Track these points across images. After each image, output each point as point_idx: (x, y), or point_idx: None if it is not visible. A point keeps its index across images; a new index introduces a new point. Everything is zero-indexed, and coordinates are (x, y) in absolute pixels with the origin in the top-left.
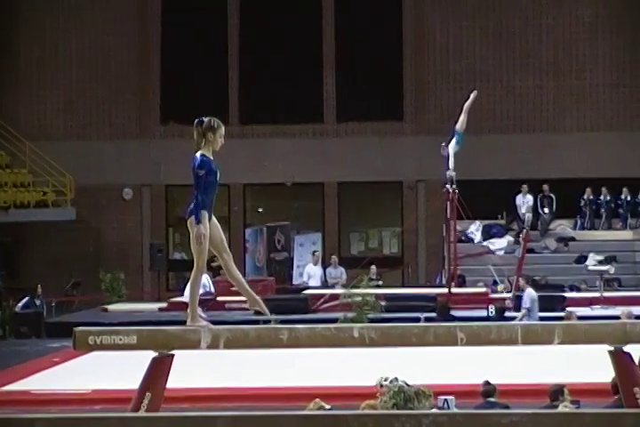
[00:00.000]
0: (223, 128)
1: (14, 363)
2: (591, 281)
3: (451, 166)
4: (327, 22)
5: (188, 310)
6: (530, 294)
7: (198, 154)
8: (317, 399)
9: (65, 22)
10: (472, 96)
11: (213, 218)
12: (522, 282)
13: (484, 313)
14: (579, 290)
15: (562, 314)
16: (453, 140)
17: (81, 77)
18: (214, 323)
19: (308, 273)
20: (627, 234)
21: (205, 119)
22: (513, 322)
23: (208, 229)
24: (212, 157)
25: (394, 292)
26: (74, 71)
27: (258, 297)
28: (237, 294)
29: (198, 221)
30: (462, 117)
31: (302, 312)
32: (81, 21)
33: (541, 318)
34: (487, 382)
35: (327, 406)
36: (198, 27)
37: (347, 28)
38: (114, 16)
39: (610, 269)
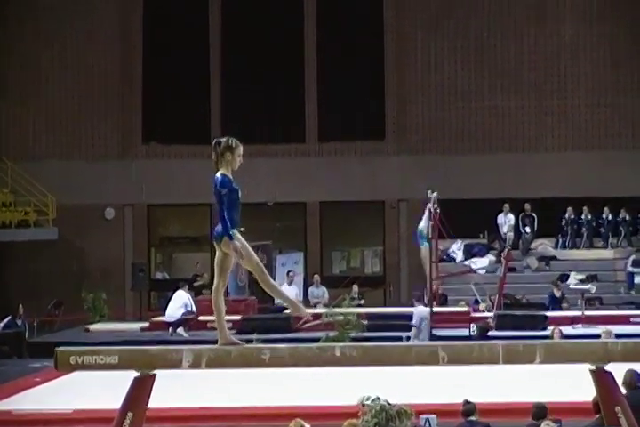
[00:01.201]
0: (241, 147)
1: None
2: (572, 300)
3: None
4: (309, 42)
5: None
6: (419, 311)
7: (219, 174)
8: (298, 419)
9: (47, 42)
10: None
11: None
12: (413, 299)
13: (465, 332)
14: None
15: (543, 333)
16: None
17: (63, 97)
18: (196, 342)
19: None
20: (608, 253)
21: (223, 139)
22: (494, 341)
23: (243, 240)
24: (231, 177)
25: (376, 311)
26: (56, 91)
27: (228, 332)
28: None
29: (231, 238)
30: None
31: (284, 331)
32: (63, 41)
33: (523, 338)
34: (467, 401)
35: (307, 426)
36: (180, 46)
37: (328, 48)
38: (96, 36)
39: (591, 288)
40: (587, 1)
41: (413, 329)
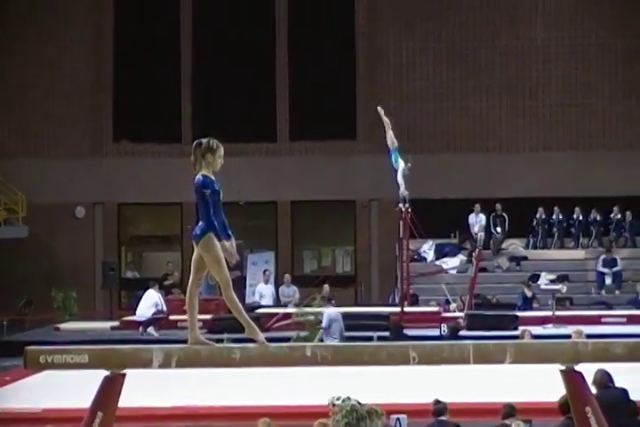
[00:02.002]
0: (222, 149)
1: None
2: (543, 300)
3: (400, 185)
4: (280, 41)
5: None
6: (329, 313)
7: (200, 175)
8: (265, 418)
9: (20, 41)
10: (380, 111)
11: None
12: (319, 301)
13: (436, 332)
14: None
15: (514, 333)
16: (392, 160)
17: (35, 96)
18: (166, 342)
19: (260, 292)
20: (579, 253)
21: (204, 140)
22: (464, 341)
23: (219, 247)
24: (213, 178)
25: (347, 311)
26: (28, 89)
27: (198, 332)
28: None
29: (220, 238)
30: (389, 133)
31: None
32: (36, 40)
33: (494, 338)
34: (438, 401)
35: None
36: (151, 46)
37: (300, 48)
38: (69, 35)
39: (562, 288)
40: (558, 4)
41: (321, 330)
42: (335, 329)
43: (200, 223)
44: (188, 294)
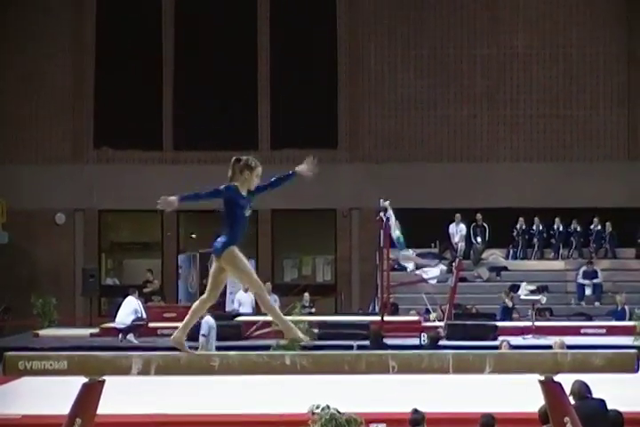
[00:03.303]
0: (260, 168)
1: None
2: (523, 311)
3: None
4: (262, 49)
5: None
6: (207, 320)
7: (232, 185)
8: None
9: (0, 45)
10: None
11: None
12: (299, 309)
13: (416, 341)
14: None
15: (494, 343)
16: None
17: (15, 101)
18: (146, 349)
19: (239, 300)
20: (559, 264)
21: (244, 158)
22: (444, 351)
23: (242, 256)
24: (244, 194)
25: (327, 319)
26: (8, 94)
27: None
28: (169, 320)
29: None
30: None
31: (235, 339)
32: (15, 45)
33: (473, 348)
34: (416, 410)
35: None
36: (133, 51)
37: (282, 55)
38: (49, 39)
39: (542, 298)
40: (539, 13)
41: (203, 338)
42: (213, 337)
43: (221, 237)
44: (197, 303)
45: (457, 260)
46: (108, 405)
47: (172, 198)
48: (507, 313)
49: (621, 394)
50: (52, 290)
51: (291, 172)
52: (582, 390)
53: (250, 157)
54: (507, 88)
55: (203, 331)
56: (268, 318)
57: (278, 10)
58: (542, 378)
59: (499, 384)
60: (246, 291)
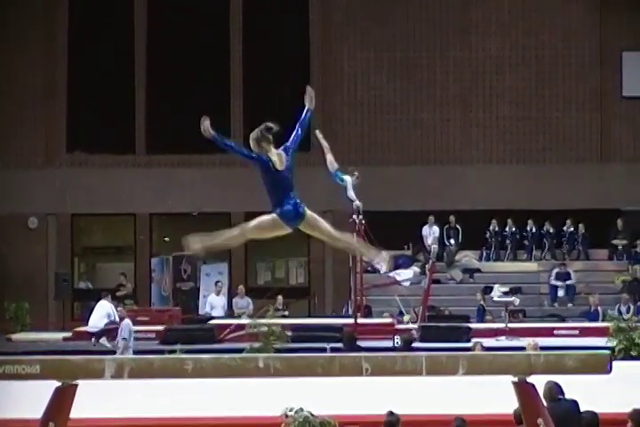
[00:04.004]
0: (264, 137)
1: None
2: (496, 312)
3: (353, 199)
4: (235, 53)
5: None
6: (127, 324)
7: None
8: None
9: None
10: (319, 134)
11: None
12: (122, 312)
13: (390, 344)
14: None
15: (467, 345)
16: (338, 180)
17: None
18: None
19: (211, 303)
20: (532, 266)
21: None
22: (417, 353)
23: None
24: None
25: (300, 322)
26: None
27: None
28: (142, 323)
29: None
30: (328, 157)
31: (208, 342)
32: None
33: (447, 349)
34: (391, 413)
35: None
36: (105, 55)
37: (253, 58)
38: (20, 43)
39: (515, 300)
40: (511, 16)
41: (123, 341)
42: (132, 341)
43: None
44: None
45: (430, 262)
46: (80, 409)
47: (207, 124)
48: (483, 314)
49: (595, 395)
50: (24, 294)
51: (306, 109)
52: (554, 392)
53: (259, 129)
54: (479, 91)
55: (124, 334)
56: (242, 321)
57: (250, 13)
58: (515, 379)
59: (472, 386)
60: (218, 294)
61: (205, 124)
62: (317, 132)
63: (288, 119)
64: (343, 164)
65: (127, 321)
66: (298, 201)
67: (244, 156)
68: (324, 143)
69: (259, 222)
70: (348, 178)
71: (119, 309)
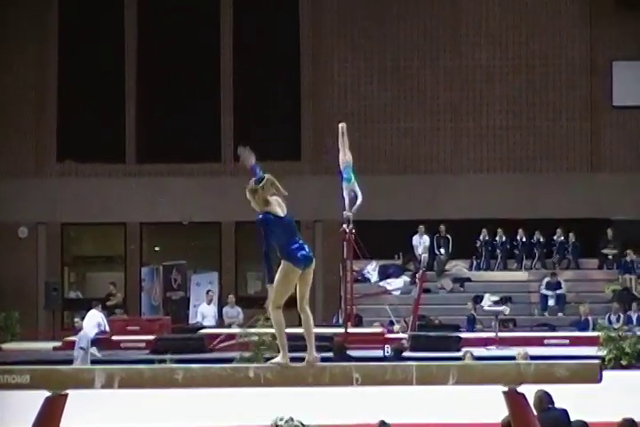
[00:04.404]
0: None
1: None
2: (486, 322)
3: (347, 206)
4: (225, 62)
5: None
6: (85, 334)
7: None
8: None
9: None
10: (343, 127)
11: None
12: (79, 324)
13: (380, 353)
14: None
15: (457, 354)
16: (347, 176)
17: None
18: (109, 362)
19: (202, 313)
20: (522, 275)
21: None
22: (408, 362)
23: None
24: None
25: (290, 331)
26: None
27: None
28: (132, 333)
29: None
30: (347, 151)
31: (198, 352)
32: None
33: (437, 359)
34: (383, 422)
35: None
36: (96, 65)
37: (244, 67)
38: (10, 51)
39: (505, 309)
40: (501, 25)
41: (81, 351)
42: (89, 350)
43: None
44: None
45: (420, 271)
46: (70, 418)
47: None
48: (472, 324)
49: (585, 404)
50: (14, 303)
51: (250, 168)
52: (544, 401)
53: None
54: (470, 100)
55: (81, 344)
56: (232, 330)
57: (241, 22)
58: (506, 389)
59: (462, 395)
60: (209, 303)
61: (246, 154)
62: (342, 125)
63: (278, 129)
64: (334, 173)
65: (84, 332)
66: (303, 243)
67: (266, 243)
68: (345, 139)
69: (278, 289)
70: (355, 183)
71: (76, 320)
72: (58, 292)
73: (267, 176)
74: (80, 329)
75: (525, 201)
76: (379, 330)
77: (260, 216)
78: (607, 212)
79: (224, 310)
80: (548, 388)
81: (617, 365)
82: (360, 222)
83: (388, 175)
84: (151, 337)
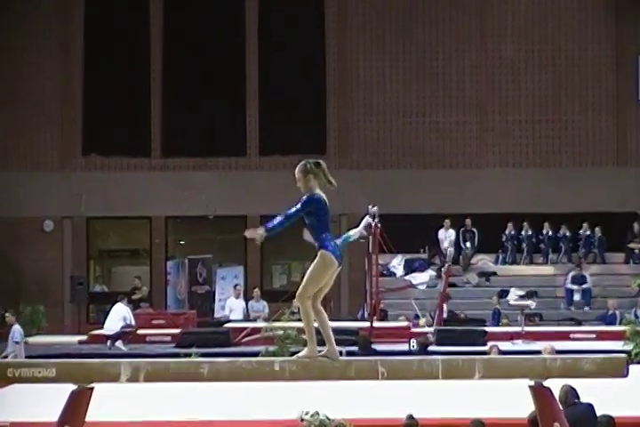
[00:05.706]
0: (305, 174)
1: None
2: (512, 316)
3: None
4: (250, 56)
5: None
6: (18, 328)
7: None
8: None
9: None
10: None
11: None
12: (10, 318)
13: (405, 347)
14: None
15: (483, 348)
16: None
17: (1, 108)
18: (134, 356)
19: (230, 306)
20: (548, 269)
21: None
22: (433, 356)
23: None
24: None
25: (315, 326)
26: None
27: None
28: (158, 326)
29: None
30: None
31: (224, 346)
32: (3, 52)
33: (463, 353)
34: (410, 417)
35: None
36: (121, 59)
37: (270, 62)
38: (35, 46)
39: (531, 304)
40: (527, 20)
41: (17, 345)
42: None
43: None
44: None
45: (446, 265)
46: (97, 412)
47: (261, 231)
48: (499, 318)
49: (611, 399)
50: (40, 298)
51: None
52: (569, 396)
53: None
54: (495, 95)
55: (16, 338)
56: (257, 324)
57: (266, 19)
58: (532, 383)
59: (489, 390)
60: (237, 297)
61: (259, 235)
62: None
63: (303, 123)
64: (359, 167)
65: (17, 326)
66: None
67: (298, 214)
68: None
69: (312, 279)
70: (351, 232)
71: (6, 314)
72: (83, 286)
73: (322, 162)
74: (12, 325)
75: (551, 195)
76: (404, 324)
77: (315, 195)
78: (633, 206)
79: (249, 304)
80: (574, 382)
81: None
82: (386, 216)
83: (414, 169)
84: (177, 331)
